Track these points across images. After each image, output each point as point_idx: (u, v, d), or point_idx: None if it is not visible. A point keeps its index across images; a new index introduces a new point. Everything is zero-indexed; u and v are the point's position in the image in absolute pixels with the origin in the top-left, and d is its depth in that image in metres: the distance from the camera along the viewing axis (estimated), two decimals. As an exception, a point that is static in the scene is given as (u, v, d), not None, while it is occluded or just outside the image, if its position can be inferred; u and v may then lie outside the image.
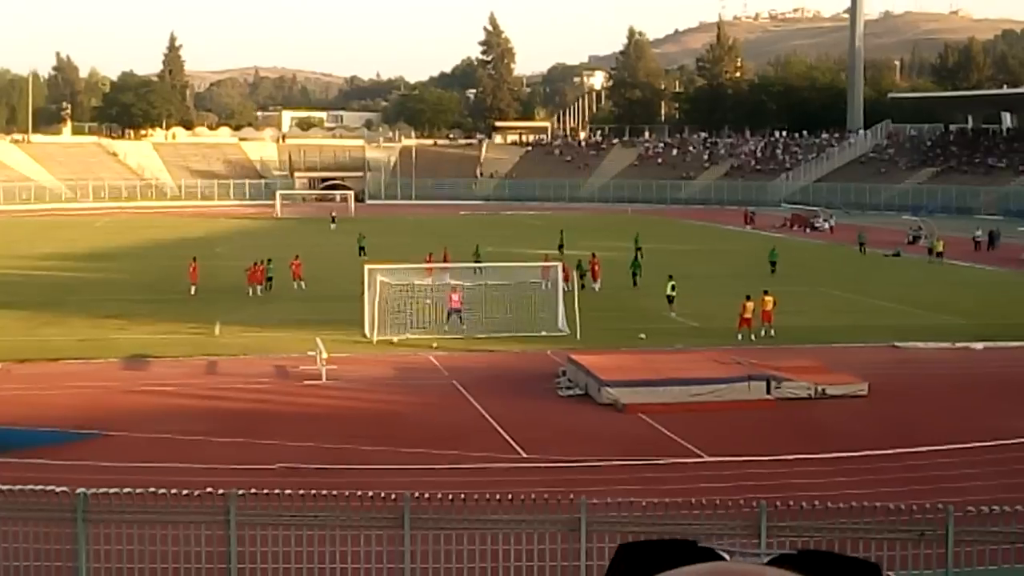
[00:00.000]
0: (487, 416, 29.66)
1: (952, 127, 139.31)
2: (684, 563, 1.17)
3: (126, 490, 16.37)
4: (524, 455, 25.98)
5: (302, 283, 53.92)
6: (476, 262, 55.34)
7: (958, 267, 66.94)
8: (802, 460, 25.42)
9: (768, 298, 42.12)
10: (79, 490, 15.99)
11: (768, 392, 31.54)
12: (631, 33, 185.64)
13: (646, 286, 52.88)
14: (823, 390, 31.90)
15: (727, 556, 1.21)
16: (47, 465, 24.14)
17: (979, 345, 40.35)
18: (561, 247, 67.74)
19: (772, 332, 41.57)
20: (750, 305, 41.76)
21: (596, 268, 55.39)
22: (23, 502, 15.95)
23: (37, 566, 15.68)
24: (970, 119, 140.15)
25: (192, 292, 52.48)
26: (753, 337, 41.13)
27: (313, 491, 16.42)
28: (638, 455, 25.69)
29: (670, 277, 47.77)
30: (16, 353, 37.77)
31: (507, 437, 27.48)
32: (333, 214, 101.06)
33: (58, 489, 16.28)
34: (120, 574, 15.98)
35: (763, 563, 1.21)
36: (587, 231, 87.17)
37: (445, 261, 55.25)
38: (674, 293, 47.15)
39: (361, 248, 67.54)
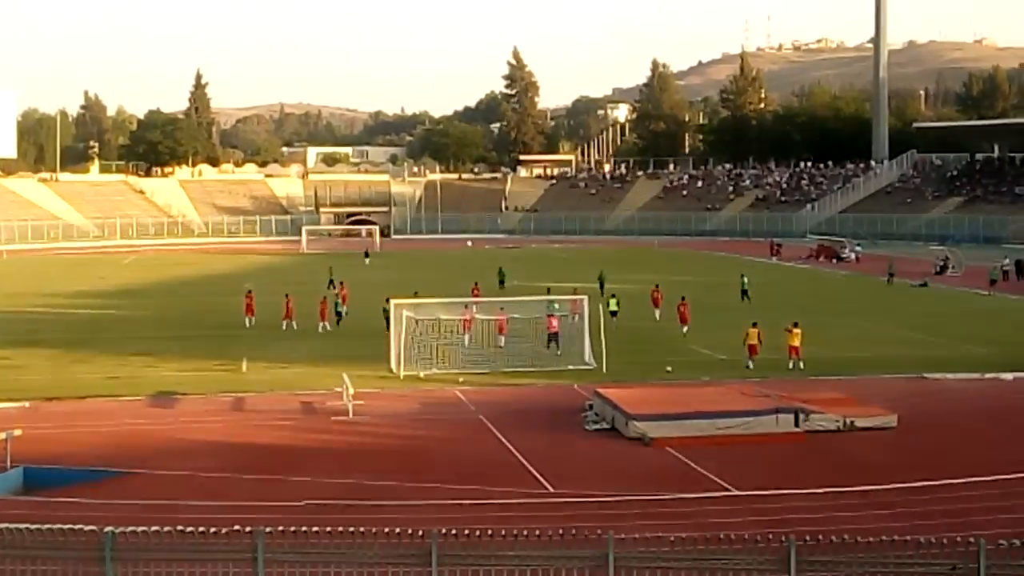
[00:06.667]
0: (514, 451, 29.58)
1: (978, 156, 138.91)
2: None
3: (153, 528, 16.36)
4: (551, 490, 25.89)
5: (325, 324, 53.44)
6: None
7: (986, 297, 66.60)
8: (832, 493, 25.25)
9: (796, 331, 42.00)
10: (107, 528, 15.98)
11: (796, 425, 31.36)
12: (655, 65, 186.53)
13: (666, 319, 52.80)
14: (852, 422, 31.70)
15: None
16: (75, 503, 24.18)
17: (1009, 375, 40.07)
18: (502, 283, 68.07)
19: (801, 365, 41.46)
20: (754, 332, 42.41)
21: (659, 298, 56.53)
22: (51, 541, 15.95)
23: (65, 605, 15.68)
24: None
25: (248, 325, 53.13)
26: (750, 366, 41.70)
27: (340, 528, 16.38)
28: (666, 489, 25.55)
29: (613, 295, 54.11)
30: (45, 391, 37.92)
31: (534, 472, 27.40)
32: (367, 250, 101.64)
33: (86, 528, 16.28)
34: (148, 613, 15.96)
35: None
36: (612, 264, 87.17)
37: (475, 295, 55.18)
38: (617, 308, 52.57)
39: (331, 281, 68.35)
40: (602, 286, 62.55)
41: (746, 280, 63.86)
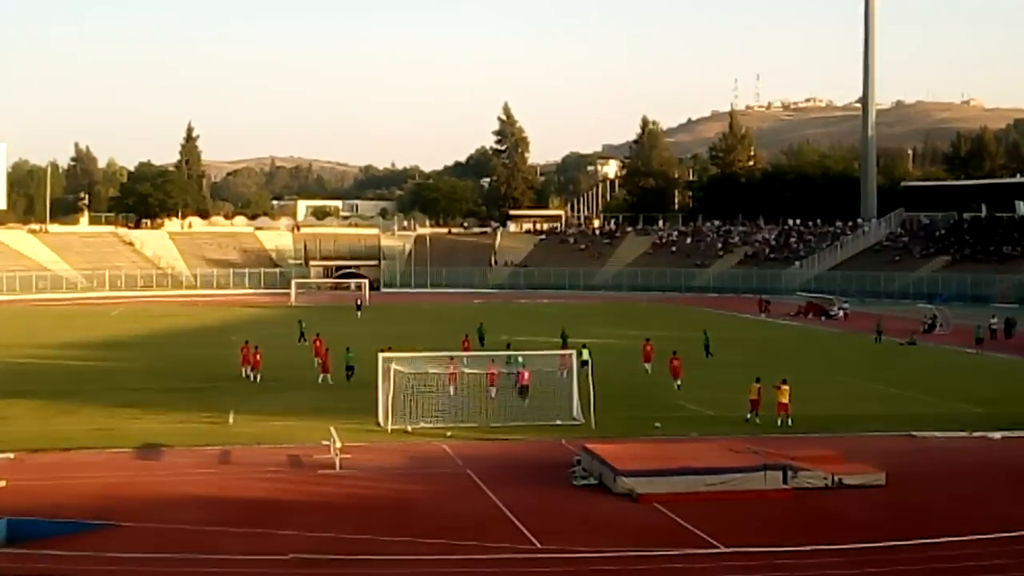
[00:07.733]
0: (501, 506, 29.45)
1: (966, 215, 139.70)
2: None
3: (138, 581, 16.27)
4: (539, 546, 25.75)
5: (328, 376, 53.05)
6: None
7: (974, 356, 66.70)
8: (819, 551, 25.15)
9: (784, 388, 41.98)
10: (91, 581, 15.89)
11: (784, 482, 31.28)
12: (644, 122, 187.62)
13: (656, 374, 52.95)
14: (840, 480, 31.64)
15: None
16: (59, 556, 24.01)
17: (997, 434, 40.07)
18: (482, 339, 67.96)
19: (790, 422, 41.42)
20: (756, 387, 42.71)
21: (650, 352, 56.58)
22: (34, 594, 15.86)
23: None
24: (984, 207, 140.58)
25: (244, 375, 53.51)
26: (757, 420, 42.06)
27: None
28: (653, 546, 25.44)
29: (584, 346, 51.87)
30: (30, 443, 37.68)
31: (521, 527, 27.26)
32: (359, 302, 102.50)
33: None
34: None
35: None
36: (601, 319, 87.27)
37: (465, 348, 55.58)
38: (588, 359, 49.52)
39: (302, 334, 69.49)
40: (564, 343, 62.25)
41: (708, 336, 64.45)
